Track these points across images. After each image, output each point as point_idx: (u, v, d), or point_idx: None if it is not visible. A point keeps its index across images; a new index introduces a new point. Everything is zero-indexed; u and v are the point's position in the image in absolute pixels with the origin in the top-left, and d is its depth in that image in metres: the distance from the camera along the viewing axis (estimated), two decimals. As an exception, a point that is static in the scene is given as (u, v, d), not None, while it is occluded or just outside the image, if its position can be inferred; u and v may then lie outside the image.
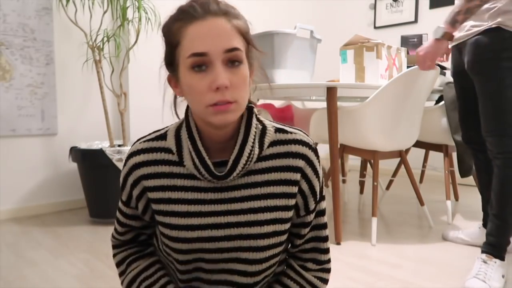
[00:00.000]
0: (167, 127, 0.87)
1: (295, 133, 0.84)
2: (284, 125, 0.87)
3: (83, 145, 2.52)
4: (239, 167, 0.79)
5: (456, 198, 3.03)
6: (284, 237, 0.85)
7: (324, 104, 2.13)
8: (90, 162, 2.39)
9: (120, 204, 0.92)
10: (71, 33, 2.70)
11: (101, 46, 2.48)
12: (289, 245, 0.93)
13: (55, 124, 2.70)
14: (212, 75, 0.71)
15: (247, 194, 0.81)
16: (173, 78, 0.80)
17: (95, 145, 2.58)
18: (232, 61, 0.73)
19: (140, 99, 2.96)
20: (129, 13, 2.53)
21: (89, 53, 2.61)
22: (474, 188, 3.27)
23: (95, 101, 2.82)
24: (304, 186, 0.84)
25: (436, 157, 3.56)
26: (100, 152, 2.32)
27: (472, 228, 2.10)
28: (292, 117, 3.03)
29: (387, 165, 3.56)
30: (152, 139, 0.85)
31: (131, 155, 0.84)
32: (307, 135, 0.86)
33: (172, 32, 0.75)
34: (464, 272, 1.71)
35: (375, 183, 2.14)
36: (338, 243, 2.06)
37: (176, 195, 0.81)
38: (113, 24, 2.63)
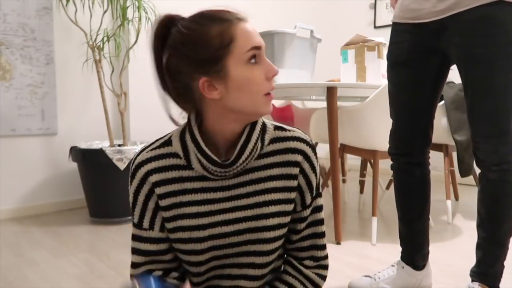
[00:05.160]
0: (169, 133, 0.89)
1: (293, 131, 0.89)
2: (282, 124, 0.91)
3: (83, 145, 2.52)
4: (246, 152, 0.82)
5: (456, 198, 3.03)
6: (286, 230, 0.89)
7: (324, 104, 2.13)
8: (90, 162, 2.39)
9: (133, 230, 0.88)
10: (71, 33, 2.70)
11: (101, 46, 2.48)
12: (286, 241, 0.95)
13: (55, 124, 2.70)
14: (265, 66, 0.79)
15: (251, 190, 0.85)
16: (212, 81, 0.78)
17: (95, 145, 2.58)
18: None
19: (140, 99, 2.96)
20: (129, 13, 2.53)
21: (89, 53, 2.61)
22: (474, 188, 3.27)
23: (95, 101, 2.82)
24: (302, 180, 0.88)
25: (436, 157, 3.55)
26: (100, 152, 2.32)
27: (386, 268, 1.62)
28: (292, 117, 3.02)
29: (387, 165, 3.56)
30: (158, 147, 0.86)
31: (140, 164, 0.85)
32: (305, 133, 0.91)
33: (218, 33, 0.75)
34: (464, 272, 1.71)
35: (375, 183, 2.14)
36: (338, 243, 2.06)
37: (186, 198, 0.84)
38: (113, 24, 2.63)
